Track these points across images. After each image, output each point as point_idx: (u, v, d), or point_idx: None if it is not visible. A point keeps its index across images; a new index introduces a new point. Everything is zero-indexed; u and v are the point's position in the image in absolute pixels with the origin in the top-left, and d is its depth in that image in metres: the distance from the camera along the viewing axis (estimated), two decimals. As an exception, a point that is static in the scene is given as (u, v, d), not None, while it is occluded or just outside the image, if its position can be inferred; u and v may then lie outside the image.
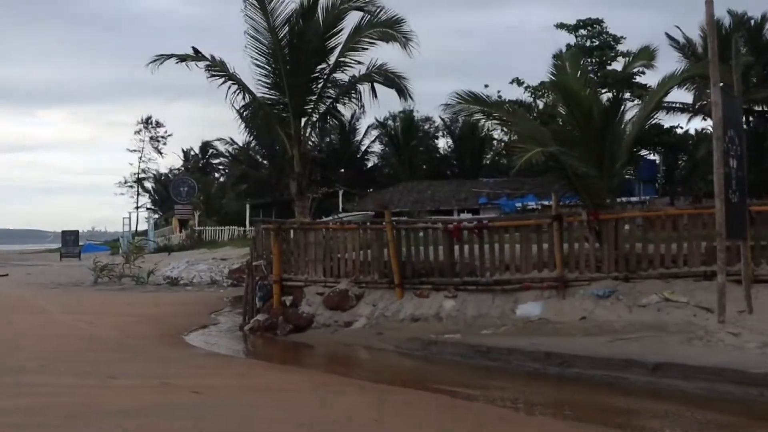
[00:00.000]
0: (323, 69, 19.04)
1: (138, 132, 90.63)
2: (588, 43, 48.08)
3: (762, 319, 12.50)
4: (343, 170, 60.53)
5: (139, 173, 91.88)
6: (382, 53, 18.85)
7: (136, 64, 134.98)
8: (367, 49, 18.46)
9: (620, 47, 47.63)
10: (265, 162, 63.37)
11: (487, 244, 15.18)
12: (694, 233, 14.17)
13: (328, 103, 19.34)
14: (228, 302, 23.50)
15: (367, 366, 12.85)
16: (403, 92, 19.14)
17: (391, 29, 17.80)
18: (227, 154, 75.68)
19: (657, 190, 46.60)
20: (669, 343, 11.70)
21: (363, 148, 61.34)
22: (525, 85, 48.08)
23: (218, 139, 65.20)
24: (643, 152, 54.75)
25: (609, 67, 47.60)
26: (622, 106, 14.73)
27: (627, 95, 47.34)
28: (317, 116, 19.46)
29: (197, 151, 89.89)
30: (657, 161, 48.03)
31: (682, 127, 49.34)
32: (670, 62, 47.41)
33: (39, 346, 13.99)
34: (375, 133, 61.13)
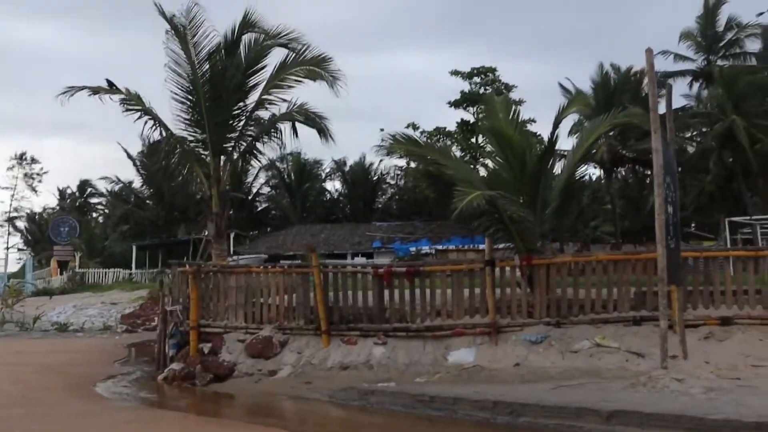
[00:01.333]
0: (245, 106, 18.44)
1: (11, 168, 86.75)
2: (481, 90, 49.23)
3: (697, 364, 12.67)
4: (232, 212, 59.27)
5: (10, 212, 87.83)
6: (303, 93, 18.43)
7: (4, 98, 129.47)
8: (293, 87, 18.03)
9: (512, 95, 49.15)
10: (149, 202, 61.49)
11: (417, 289, 14.83)
12: (623, 279, 14.26)
13: (248, 142, 18.65)
14: (127, 349, 22.29)
15: (300, 418, 12.15)
16: (324, 132, 18.75)
17: (318, 67, 17.40)
18: (108, 193, 73.20)
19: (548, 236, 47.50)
20: (612, 389, 11.57)
21: (254, 189, 60.30)
22: (420, 129, 48.67)
23: (102, 178, 62.72)
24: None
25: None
26: (555, 152, 14.74)
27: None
28: (237, 155, 18.74)
29: (75, 190, 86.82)
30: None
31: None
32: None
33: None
34: (264, 174, 60.42)
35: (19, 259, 60.66)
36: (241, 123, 18.51)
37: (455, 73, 50.00)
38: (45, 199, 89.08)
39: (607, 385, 11.91)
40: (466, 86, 49.77)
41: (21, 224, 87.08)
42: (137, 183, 62.49)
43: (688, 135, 46.64)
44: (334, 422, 11.71)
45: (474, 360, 14.08)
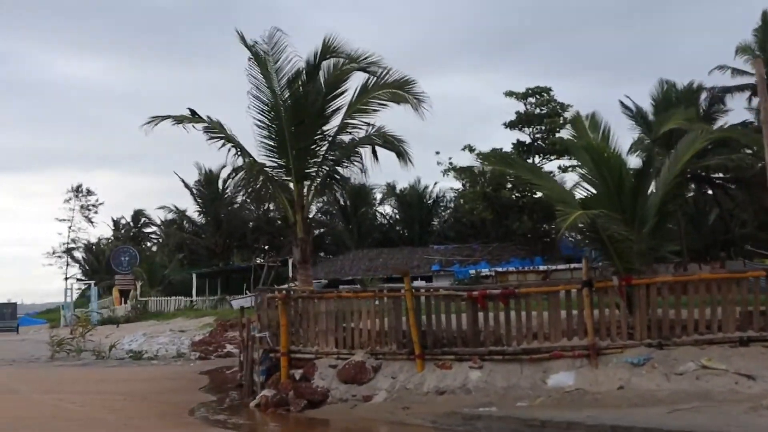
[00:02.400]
0: (327, 131, 18.42)
1: (68, 200, 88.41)
2: (536, 111, 48.92)
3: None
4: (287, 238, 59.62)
5: (68, 243, 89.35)
6: (380, 117, 18.36)
7: (52, 133, 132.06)
8: (377, 110, 17.93)
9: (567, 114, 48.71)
10: (197, 231, 61.82)
11: (513, 311, 14.59)
12: (727, 298, 13.86)
13: (330, 167, 18.62)
14: (206, 376, 22.26)
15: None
16: (403, 156, 18.63)
17: (402, 90, 17.33)
18: (162, 222, 74.10)
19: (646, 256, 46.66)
20: (732, 414, 11.25)
21: (310, 215, 60.45)
22: (476, 151, 48.40)
23: (161, 207, 63.34)
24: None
25: (558, 134, 48.49)
26: (652, 168, 14.44)
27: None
28: (319, 180, 18.71)
29: (129, 220, 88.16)
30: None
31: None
32: (621, 129, 48.51)
33: (38, 430, 12.78)
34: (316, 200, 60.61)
35: (78, 289, 61.15)
36: (324, 148, 18.46)
37: (510, 93, 49.70)
38: (100, 230, 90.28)
39: (725, 409, 11.56)
40: (520, 107, 49.36)
41: (78, 255, 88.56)
42: (191, 211, 63.13)
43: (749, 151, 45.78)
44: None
45: (574, 383, 13.76)
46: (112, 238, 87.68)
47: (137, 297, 50.86)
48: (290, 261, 51.26)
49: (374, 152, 18.51)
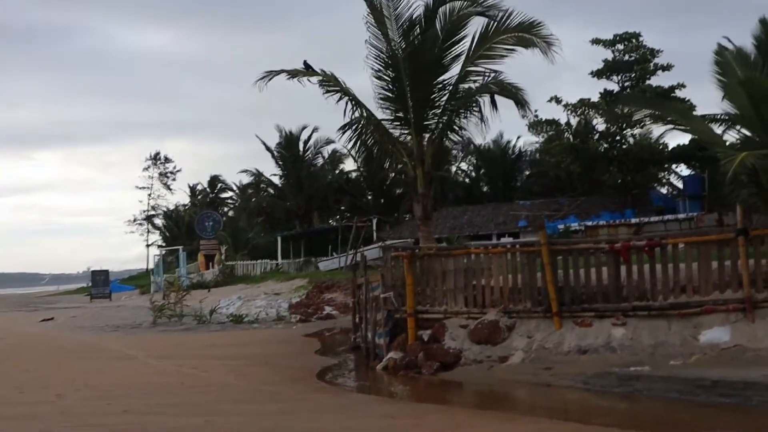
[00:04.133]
0: (446, 80, 17.58)
1: (146, 168, 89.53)
2: (626, 58, 47.12)
3: None
4: (371, 197, 59.12)
5: (149, 210, 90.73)
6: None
7: (126, 104, 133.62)
8: (505, 56, 17.00)
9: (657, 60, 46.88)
10: (275, 191, 61.32)
11: (658, 264, 13.66)
12: None
13: (448, 118, 17.79)
14: (314, 339, 22.04)
15: (577, 408, 11.16)
16: (522, 104, 17.71)
17: (529, 33, 16.34)
18: (238, 187, 74.39)
19: (703, 206, 45.18)
20: None
21: (392, 174, 59.70)
22: (564, 102, 46.93)
23: (243, 171, 63.24)
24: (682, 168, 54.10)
25: (648, 81, 46.72)
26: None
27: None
28: (438, 132, 17.93)
29: (205, 186, 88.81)
30: (704, 177, 46.64)
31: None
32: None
33: (170, 397, 12.48)
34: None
35: (157, 255, 61.61)
36: (443, 98, 17.64)
37: (596, 41, 47.84)
38: (178, 197, 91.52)
39: None
40: (607, 54, 47.51)
41: (159, 222, 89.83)
42: (271, 174, 62.90)
43: None
44: (604, 411, 10.73)
45: (730, 339, 12.82)
46: (189, 204, 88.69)
47: (223, 261, 51.02)
48: (374, 221, 50.98)
49: (493, 101, 17.62)
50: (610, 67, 47.45)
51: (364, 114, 17.74)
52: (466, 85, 17.67)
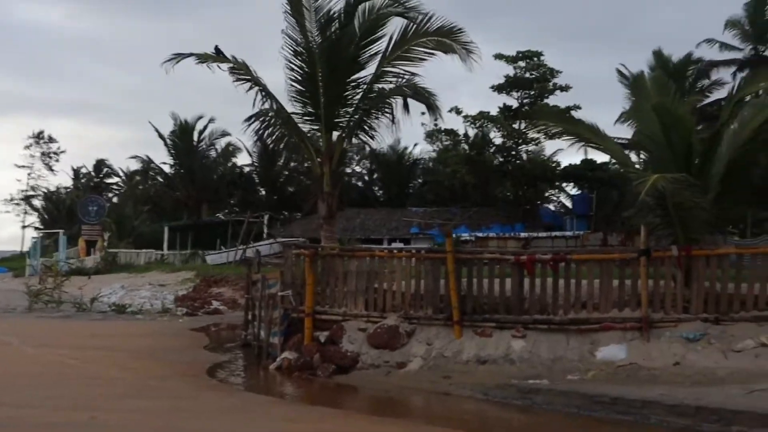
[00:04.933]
0: (361, 79, 17.21)
1: (28, 147, 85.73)
2: (527, 75, 47.93)
3: None
4: (264, 193, 58.17)
5: (27, 190, 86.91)
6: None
7: (12, 78, 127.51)
8: (424, 59, 16.72)
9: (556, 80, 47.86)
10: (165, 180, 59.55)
11: (561, 279, 13.72)
12: (790, 273, 13.13)
13: (360, 117, 17.42)
14: (202, 334, 21.33)
15: (476, 419, 10.99)
16: (433, 108, 17.56)
17: (448, 39, 16.16)
18: (126, 173, 72.21)
19: (590, 225, 46.50)
20: (818, 396, 10.49)
21: (286, 172, 58.96)
22: (463, 113, 47.38)
23: (133, 157, 61.16)
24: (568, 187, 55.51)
25: (546, 100, 47.67)
26: (724, 135, 13.54)
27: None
28: (348, 131, 17.52)
29: (90, 170, 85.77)
30: (592, 197, 48.02)
31: (614, 164, 49.88)
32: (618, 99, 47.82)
33: (50, 389, 11.69)
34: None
35: (34, 238, 58.81)
36: (357, 96, 17.28)
37: (499, 56, 48.50)
38: (60, 179, 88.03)
39: (807, 390, 10.80)
40: (509, 70, 48.22)
41: (37, 203, 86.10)
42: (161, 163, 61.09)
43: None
44: (498, 423, 10.62)
45: (626, 357, 13.00)
46: (72, 187, 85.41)
47: (106, 248, 49.15)
48: (266, 218, 50.18)
49: (406, 104, 17.39)
50: (512, 83, 48.14)
51: (275, 106, 17.19)
52: (380, 86, 17.41)
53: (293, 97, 17.24)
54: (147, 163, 60.73)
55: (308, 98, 17.08)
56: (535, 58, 47.93)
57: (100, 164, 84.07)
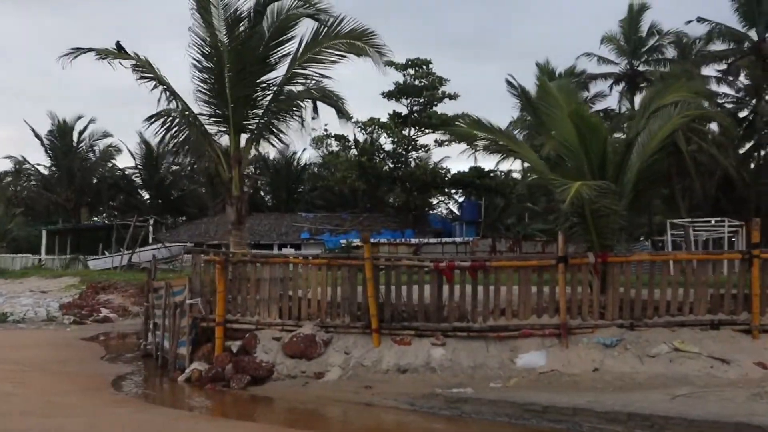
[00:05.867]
0: (270, 80, 16.66)
1: None
2: (417, 83, 48.22)
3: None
4: (148, 198, 56.28)
5: None
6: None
7: None
8: (336, 62, 16.29)
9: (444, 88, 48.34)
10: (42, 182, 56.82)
11: (480, 286, 13.63)
12: (701, 280, 13.48)
13: (269, 119, 16.84)
14: (96, 344, 20.30)
15: (397, 429, 10.70)
16: (342, 112, 17.23)
17: (360, 42, 15.82)
18: (5, 174, 68.56)
19: (478, 231, 47.20)
20: (738, 400, 10.73)
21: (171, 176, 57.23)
22: (354, 119, 47.16)
23: (7, 157, 57.95)
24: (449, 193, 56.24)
25: (435, 108, 48.10)
26: (635, 143, 13.77)
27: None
28: (257, 133, 16.89)
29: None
30: (480, 203, 48.77)
31: (501, 171, 50.91)
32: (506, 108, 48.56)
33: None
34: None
35: None
36: (267, 98, 16.72)
37: (389, 63, 48.57)
38: None
39: (728, 395, 11.04)
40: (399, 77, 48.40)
41: None
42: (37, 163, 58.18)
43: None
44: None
45: (546, 364, 13.04)
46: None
47: (-24, 253, 46.50)
48: (150, 222, 48.52)
49: (315, 107, 16.98)
50: (401, 90, 48.34)
51: (179, 106, 16.44)
52: (290, 88, 16.91)
53: (200, 97, 16.60)
54: (21, 163, 57.61)
55: (216, 99, 16.47)
56: (424, 66, 48.33)
57: (-28, 164, 79.68)
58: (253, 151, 17.40)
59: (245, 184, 16.94)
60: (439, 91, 48.14)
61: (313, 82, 16.85)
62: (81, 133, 54.89)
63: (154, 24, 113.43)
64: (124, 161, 58.99)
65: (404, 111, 49.08)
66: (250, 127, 16.89)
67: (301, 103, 16.79)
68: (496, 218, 53.14)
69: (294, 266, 14.45)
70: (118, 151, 55.67)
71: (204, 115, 16.66)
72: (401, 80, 48.44)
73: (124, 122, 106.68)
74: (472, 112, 46.79)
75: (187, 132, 16.58)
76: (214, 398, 12.71)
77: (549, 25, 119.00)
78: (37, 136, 54.40)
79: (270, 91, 16.73)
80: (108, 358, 17.43)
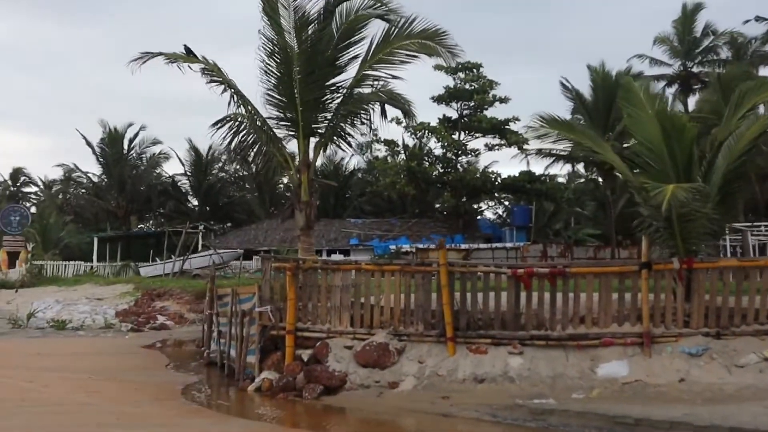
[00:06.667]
0: (340, 83, 16.41)
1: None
2: (467, 86, 47.76)
3: None
4: (197, 205, 56.51)
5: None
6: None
7: None
8: (406, 62, 16.00)
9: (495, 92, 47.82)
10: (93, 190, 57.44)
11: (559, 293, 13.18)
12: (792, 286, 12.87)
13: (336, 123, 16.58)
14: (157, 351, 20.18)
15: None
16: (409, 115, 16.95)
17: (432, 42, 15.50)
18: (45, 183, 69.74)
19: (529, 236, 46.54)
20: None
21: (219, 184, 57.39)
22: (403, 123, 46.80)
23: (59, 165, 58.62)
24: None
25: (486, 111, 47.62)
26: (721, 146, 13.25)
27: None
28: (326, 137, 16.65)
29: (6, 178, 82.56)
30: (531, 208, 48.10)
31: (550, 175, 50.22)
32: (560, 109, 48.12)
33: (15, 418, 10.56)
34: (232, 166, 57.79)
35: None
36: (335, 102, 16.47)
37: (439, 67, 48.17)
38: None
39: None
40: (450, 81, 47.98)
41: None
42: (87, 171, 58.79)
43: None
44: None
45: (629, 374, 12.53)
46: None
47: (30, 260, 46.82)
48: (201, 228, 48.71)
49: (383, 109, 16.67)
50: (451, 94, 47.93)
51: (249, 110, 16.24)
52: (359, 90, 16.63)
53: (268, 100, 16.36)
54: (72, 171, 58.24)
55: (284, 103, 16.22)
56: (475, 70, 47.83)
57: (17, 172, 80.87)
58: (321, 156, 17.06)
59: (315, 189, 16.66)
60: (490, 95, 47.62)
61: (381, 84, 16.55)
62: (131, 140, 55.37)
63: (203, 33, 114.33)
64: (171, 168, 59.21)
65: (454, 115, 48.70)
66: (319, 131, 16.62)
67: (369, 106, 16.49)
68: (545, 223, 52.41)
69: (366, 273, 14.11)
70: (167, 158, 56.06)
71: (272, 118, 16.45)
72: (451, 84, 48.10)
73: (171, 129, 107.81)
74: (521, 116, 46.77)
75: (255, 136, 16.35)
76: (287, 409, 12.43)
77: (584, 31, 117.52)
78: (88, 144, 55.00)
79: (339, 94, 16.49)
80: (172, 366, 17.27)
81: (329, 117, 16.62)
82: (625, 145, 13.75)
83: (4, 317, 26.40)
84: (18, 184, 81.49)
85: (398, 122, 17.45)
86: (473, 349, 13.19)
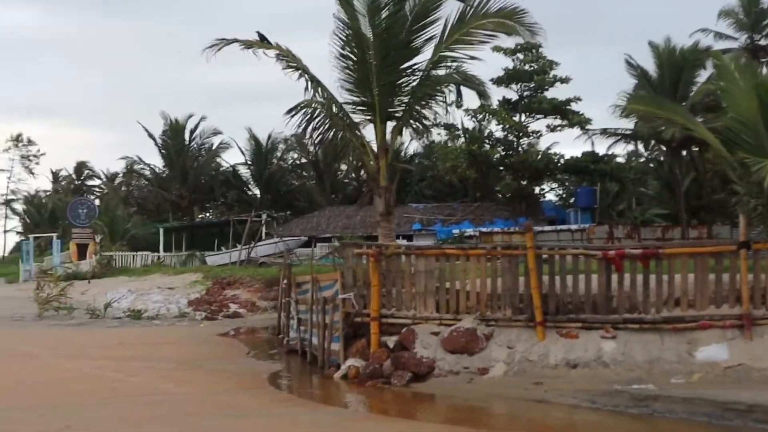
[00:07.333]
0: (416, 65, 16.17)
1: (7, 150, 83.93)
2: (527, 67, 47.06)
3: None
4: (258, 193, 56.87)
5: (8, 194, 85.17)
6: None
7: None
8: (485, 42, 15.72)
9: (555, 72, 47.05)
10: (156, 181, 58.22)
11: (652, 275, 12.76)
12: None
13: (412, 106, 16.34)
14: (234, 339, 20.22)
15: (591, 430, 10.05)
16: (484, 96, 16.64)
17: (511, 20, 15.15)
18: (107, 176, 71.00)
19: (594, 218, 45.80)
20: None
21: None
22: (464, 107, 46.36)
23: (123, 158, 59.51)
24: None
25: (546, 92, 46.90)
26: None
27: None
28: (403, 121, 16.44)
29: (71, 172, 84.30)
30: (595, 189, 47.31)
31: (614, 155, 49.33)
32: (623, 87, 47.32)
33: (127, 410, 10.58)
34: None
35: (25, 241, 57.17)
36: (411, 85, 16.22)
37: (497, 49, 47.45)
38: (39, 182, 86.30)
39: None
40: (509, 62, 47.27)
41: (19, 207, 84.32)
42: (151, 163, 59.58)
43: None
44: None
45: (730, 357, 12.07)
46: (52, 190, 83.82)
47: (100, 252, 47.64)
48: (264, 216, 49.01)
49: (459, 91, 16.41)
50: (511, 75, 47.26)
51: (326, 96, 16.09)
52: (435, 72, 16.34)
53: (344, 85, 16.21)
54: (135, 163, 59.09)
55: (360, 87, 16.04)
56: (534, 50, 47.04)
57: (81, 166, 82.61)
58: (398, 139, 16.83)
59: (394, 174, 16.45)
60: (550, 75, 46.87)
61: (456, 65, 16.24)
62: (192, 131, 55.93)
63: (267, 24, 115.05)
64: (232, 158, 59.67)
65: (514, 97, 48.04)
66: (396, 114, 16.40)
67: (444, 88, 16.19)
68: (609, 204, 51.57)
69: (451, 257, 13.86)
70: (228, 147, 56.50)
71: (348, 103, 16.26)
72: (510, 66, 47.44)
73: (230, 120, 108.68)
74: (583, 95, 45.90)
75: (330, 122, 16.19)
76: (377, 396, 12.25)
77: (644, 4, 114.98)
78: (150, 136, 55.69)
79: (415, 77, 16.22)
80: (252, 354, 17.26)
81: (405, 100, 16.37)
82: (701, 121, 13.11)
83: (81, 308, 26.78)
84: (82, 178, 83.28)
85: (458, 105, 16.70)
86: (563, 334, 12.84)
